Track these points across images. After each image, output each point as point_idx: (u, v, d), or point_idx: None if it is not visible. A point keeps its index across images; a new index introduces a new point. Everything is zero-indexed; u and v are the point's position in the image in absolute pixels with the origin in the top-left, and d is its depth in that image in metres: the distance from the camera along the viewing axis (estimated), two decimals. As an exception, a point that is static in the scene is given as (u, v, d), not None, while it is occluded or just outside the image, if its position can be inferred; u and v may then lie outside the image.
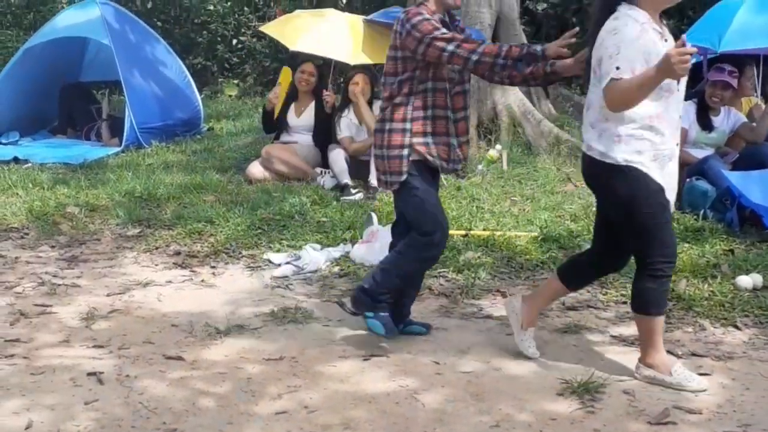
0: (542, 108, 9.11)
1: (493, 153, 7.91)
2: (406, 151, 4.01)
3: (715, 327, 4.43)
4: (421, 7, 4.00)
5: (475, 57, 3.85)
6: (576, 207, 6.68)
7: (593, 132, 3.65)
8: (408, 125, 4.01)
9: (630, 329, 4.35)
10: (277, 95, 7.73)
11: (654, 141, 3.55)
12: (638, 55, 3.46)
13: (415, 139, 4.01)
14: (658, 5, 3.63)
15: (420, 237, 4.05)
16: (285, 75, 7.89)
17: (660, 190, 3.58)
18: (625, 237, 3.76)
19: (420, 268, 4.29)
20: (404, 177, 4.02)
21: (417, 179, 4.04)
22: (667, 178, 3.61)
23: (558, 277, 4.08)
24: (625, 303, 4.75)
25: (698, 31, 6.99)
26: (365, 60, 7.60)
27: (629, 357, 3.98)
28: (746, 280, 4.96)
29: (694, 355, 4.08)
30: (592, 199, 6.59)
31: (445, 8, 4.08)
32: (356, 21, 7.88)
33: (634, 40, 3.46)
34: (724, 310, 4.60)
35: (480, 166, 7.80)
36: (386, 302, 4.14)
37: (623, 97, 3.46)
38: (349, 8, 10.69)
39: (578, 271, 4.10)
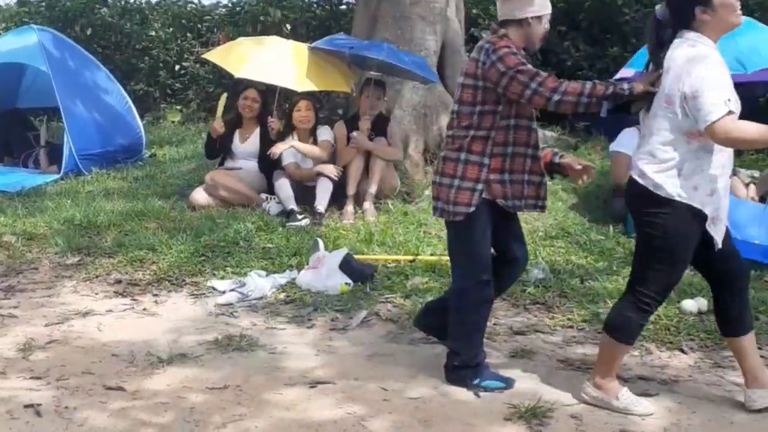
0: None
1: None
2: (480, 186, 3.88)
3: (661, 351, 4.45)
4: (505, 39, 3.86)
5: (557, 97, 3.71)
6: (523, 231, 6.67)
7: (653, 162, 3.51)
8: (486, 160, 3.87)
9: (577, 353, 4.35)
10: (222, 125, 7.62)
11: (712, 178, 3.48)
12: (731, 86, 3.41)
13: (492, 176, 3.89)
14: (721, 33, 3.55)
15: (469, 280, 3.95)
16: (222, 101, 7.76)
17: (700, 228, 3.50)
18: (638, 260, 3.66)
19: (483, 313, 4.06)
20: (471, 209, 3.89)
21: (481, 217, 3.91)
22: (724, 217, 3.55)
23: (731, 335, 3.80)
24: (571, 327, 4.76)
25: (643, 56, 7.05)
26: (312, 87, 7.56)
27: (576, 381, 3.97)
28: (691, 304, 4.99)
29: (640, 378, 4.09)
30: (539, 223, 6.69)
31: (526, 45, 3.96)
32: (301, 48, 7.85)
33: (724, 71, 3.42)
34: (670, 334, 4.63)
35: (426, 192, 7.77)
36: (480, 359, 4.01)
37: (740, 137, 3.35)
38: (294, 35, 10.64)
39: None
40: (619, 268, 5.74)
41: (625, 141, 6.97)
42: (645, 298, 3.58)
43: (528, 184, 3.98)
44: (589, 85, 3.74)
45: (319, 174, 7.25)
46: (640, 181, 3.54)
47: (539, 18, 3.92)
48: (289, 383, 4.01)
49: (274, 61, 7.62)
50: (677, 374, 4.14)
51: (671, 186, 3.46)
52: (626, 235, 6.37)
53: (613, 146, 7.14)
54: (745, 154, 8.92)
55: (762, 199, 6.67)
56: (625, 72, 7.60)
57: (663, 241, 3.48)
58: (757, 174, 7.48)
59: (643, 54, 7.02)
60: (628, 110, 3.85)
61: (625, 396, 3.69)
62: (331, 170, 7.27)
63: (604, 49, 10.28)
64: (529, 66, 3.78)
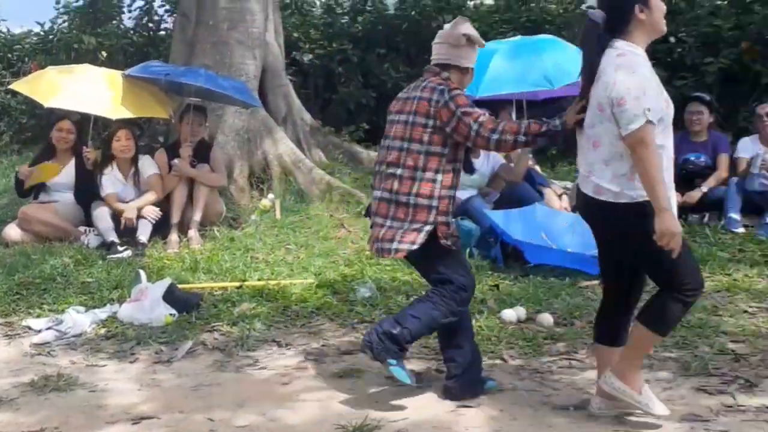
0: (313, 156, 9.18)
1: (265, 202, 7.88)
2: (428, 228, 3.93)
3: (483, 361, 4.54)
4: (450, 81, 3.98)
5: (495, 137, 3.84)
6: (349, 251, 6.74)
7: (606, 170, 3.54)
8: (435, 203, 3.93)
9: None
10: (29, 177, 7.28)
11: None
12: (659, 94, 3.48)
13: (440, 218, 3.95)
14: (650, 39, 3.60)
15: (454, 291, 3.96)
16: (47, 172, 7.42)
17: (674, 217, 3.49)
18: (651, 272, 3.65)
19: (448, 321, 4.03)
20: (415, 247, 3.92)
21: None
22: (674, 206, 3.56)
23: (608, 344, 3.85)
24: (398, 343, 4.80)
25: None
26: (127, 114, 7.38)
27: (401, 397, 4.01)
28: (511, 314, 5.16)
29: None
30: (364, 243, 6.75)
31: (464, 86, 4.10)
32: (115, 75, 7.65)
33: (651, 79, 3.47)
34: (491, 344, 4.75)
35: (253, 216, 7.74)
36: (406, 348, 3.98)
37: (647, 154, 3.41)
38: (111, 63, 10.36)
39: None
40: (443, 282, 5.86)
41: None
42: (687, 290, 3.55)
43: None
44: (524, 123, 3.89)
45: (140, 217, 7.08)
46: (600, 197, 3.57)
47: (473, 69, 4.14)
48: (110, 421, 3.85)
49: (86, 89, 7.39)
50: (499, 382, 4.23)
51: (629, 189, 3.50)
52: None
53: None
54: (558, 166, 9.36)
55: (574, 209, 6.98)
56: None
57: (651, 240, 3.44)
58: (569, 185, 7.85)
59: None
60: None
61: (646, 392, 3.67)
62: (150, 213, 7.10)
63: (422, 70, 10.52)
64: (475, 108, 3.91)
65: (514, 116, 7.40)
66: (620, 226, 3.57)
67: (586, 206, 3.70)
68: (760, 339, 4.72)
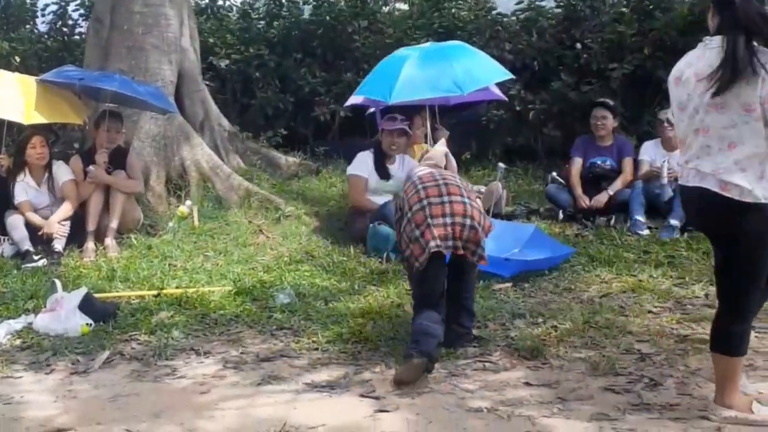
0: (231, 162, 9.17)
1: (183, 209, 7.85)
2: None
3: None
4: None
5: None
6: (268, 258, 6.79)
7: (743, 170, 3.52)
8: None
9: (322, 375, 4.47)
10: None
11: None
12: None
13: None
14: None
15: None
16: None
17: None
18: (736, 276, 3.67)
19: None
20: None
21: None
22: None
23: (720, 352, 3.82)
24: (317, 349, 4.87)
25: (369, 84, 7.39)
26: (41, 120, 7.26)
27: (320, 402, 4.10)
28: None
29: (380, 396, 4.22)
30: (283, 249, 6.81)
31: None
32: (28, 81, 7.51)
33: None
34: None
35: (171, 223, 7.70)
36: None
37: None
38: (25, 68, 10.15)
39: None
40: (360, 287, 5.97)
41: (360, 164, 7.27)
42: (748, 308, 3.62)
43: None
44: None
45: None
46: (725, 193, 3.56)
47: None
48: (26, 434, 3.85)
49: (-2, 93, 7.24)
50: (415, 386, 4.32)
51: (760, 190, 3.51)
52: (366, 255, 6.64)
53: (350, 170, 7.41)
54: (472, 170, 9.55)
55: (487, 212, 7.14)
56: (355, 99, 7.93)
57: (759, 247, 3.51)
58: (482, 189, 8.02)
59: (372, 81, 7.40)
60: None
61: (757, 407, 3.71)
62: (59, 231, 7.03)
63: (339, 75, 10.64)
64: None
65: (428, 122, 7.53)
66: (738, 225, 3.59)
67: (702, 200, 3.68)
68: (664, 338, 4.93)
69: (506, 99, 8.78)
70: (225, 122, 9.59)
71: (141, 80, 8.17)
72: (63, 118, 7.77)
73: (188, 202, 8.04)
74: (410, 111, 7.57)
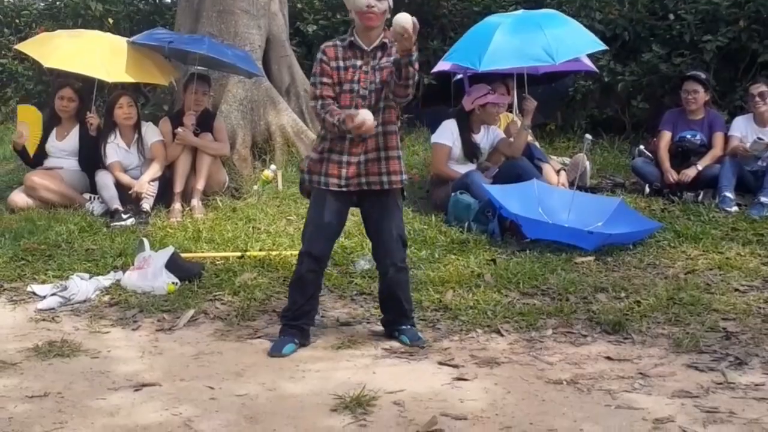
0: (315, 127, 9.20)
1: (268, 173, 7.94)
2: None
3: (479, 334, 4.65)
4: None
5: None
6: (350, 224, 6.77)
7: None
8: None
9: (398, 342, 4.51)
10: (22, 136, 7.36)
11: None
12: None
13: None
14: None
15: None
16: (24, 113, 7.55)
17: None
18: None
19: None
20: None
21: None
22: None
23: None
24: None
25: (459, 51, 7.35)
26: (126, 78, 7.42)
27: (399, 368, 4.13)
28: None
29: (458, 365, 4.24)
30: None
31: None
32: (119, 41, 7.68)
33: None
34: (488, 318, 4.85)
35: (255, 187, 7.80)
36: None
37: None
38: (117, 30, 10.37)
39: None
40: (440, 256, 5.96)
41: (444, 133, 7.23)
42: None
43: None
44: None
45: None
46: None
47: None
48: (113, 387, 3.95)
49: (87, 52, 7.40)
50: (494, 356, 4.32)
51: None
52: (447, 224, 6.62)
53: (434, 138, 7.38)
54: (557, 142, 9.42)
55: (572, 185, 7.06)
56: (443, 65, 7.89)
57: None
58: (567, 161, 7.92)
59: (462, 47, 7.35)
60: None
61: None
62: (149, 191, 7.19)
63: (425, 42, 10.56)
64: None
65: (515, 90, 7.44)
66: None
67: None
68: (750, 317, 4.81)
69: (597, 71, 8.60)
70: (310, 88, 9.60)
71: (230, 44, 8.25)
72: (150, 78, 7.89)
73: (273, 167, 8.12)
74: (497, 78, 7.50)
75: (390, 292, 4.53)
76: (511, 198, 6.43)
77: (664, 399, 3.77)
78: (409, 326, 4.56)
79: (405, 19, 4.01)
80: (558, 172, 7.46)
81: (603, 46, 7.27)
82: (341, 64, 4.35)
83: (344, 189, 4.36)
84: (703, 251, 6.09)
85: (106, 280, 5.50)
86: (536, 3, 9.78)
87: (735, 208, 7.06)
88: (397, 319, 4.58)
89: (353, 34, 4.35)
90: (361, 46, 4.33)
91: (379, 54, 4.33)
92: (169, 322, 4.89)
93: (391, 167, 4.38)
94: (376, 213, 4.47)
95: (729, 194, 7.15)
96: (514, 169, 7.05)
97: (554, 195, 6.78)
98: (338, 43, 4.40)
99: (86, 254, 6.05)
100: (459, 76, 8.41)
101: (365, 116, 4.14)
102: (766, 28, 9.01)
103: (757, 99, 7.47)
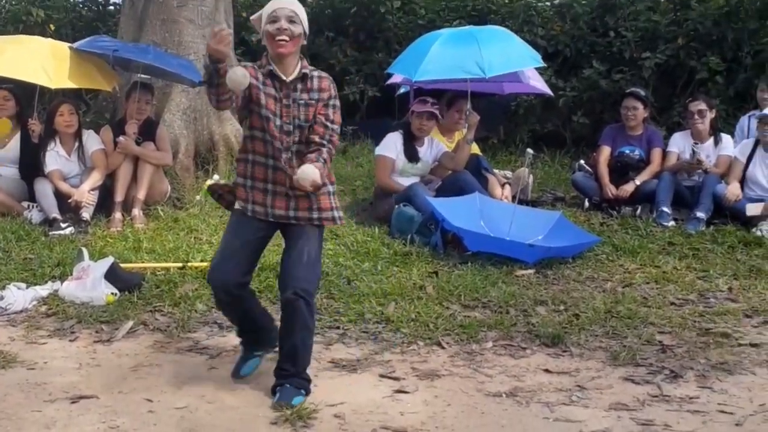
0: (259, 137, 9.18)
1: (210, 183, 7.87)
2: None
3: (420, 347, 4.67)
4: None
5: None
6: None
7: None
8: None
9: (341, 353, 4.51)
10: None
11: None
12: None
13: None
14: None
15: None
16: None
17: None
18: None
19: None
20: None
21: None
22: None
23: None
24: (338, 328, 4.90)
25: (401, 62, 7.42)
26: (69, 84, 7.33)
27: (340, 381, 4.14)
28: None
29: (399, 377, 4.26)
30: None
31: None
32: (61, 47, 7.57)
33: None
34: (429, 330, 4.87)
35: (198, 197, 7.75)
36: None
37: None
38: (59, 36, 10.23)
39: None
40: (383, 268, 5.98)
41: (388, 145, 7.27)
42: None
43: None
44: None
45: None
46: None
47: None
48: (49, 399, 3.90)
49: (29, 58, 7.27)
50: (435, 368, 4.35)
51: None
52: (390, 237, 6.65)
53: (378, 150, 7.41)
54: (499, 155, 9.53)
55: (514, 198, 7.14)
56: (396, 77, 7.96)
57: None
58: (509, 174, 8.01)
59: (403, 58, 7.41)
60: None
61: None
62: (88, 200, 7.09)
63: (370, 55, 10.63)
64: None
65: (468, 104, 7.46)
66: None
67: None
68: (686, 330, 4.92)
69: (552, 94, 8.68)
70: (255, 98, 9.57)
71: (174, 53, 8.20)
72: (94, 84, 7.77)
73: (216, 177, 8.07)
74: (455, 96, 7.59)
75: (286, 325, 3.93)
76: (453, 211, 6.48)
77: (601, 412, 3.84)
78: (288, 385, 3.90)
79: (311, 175, 3.75)
80: (503, 185, 7.54)
81: (539, 63, 7.35)
82: (261, 87, 3.92)
83: (271, 220, 4.02)
84: (641, 265, 6.21)
85: (43, 290, 5.41)
86: (480, 18, 9.91)
87: (672, 223, 7.22)
88: (282, 366, 3.97)
89: (270, 63, 3.95)
90: (280, 77, 3.92)
91: (299, 86, 3.95)
92: (108, 334, 4.82)
93: (322, 203, 4.02)
94: (296, 237, 4.02)
95: (666, 209, 7.30)
96: (457, 182, 7.11)
97: (496, 208, 6.85)
98: (257, 68, 3.96)
99: (24, 263, 5.94)
100: (402, 90, 8.47)
101: (308, 175, 3.75)
102: (703, 46, 9.25)
103: (696, 116, 7.65)
